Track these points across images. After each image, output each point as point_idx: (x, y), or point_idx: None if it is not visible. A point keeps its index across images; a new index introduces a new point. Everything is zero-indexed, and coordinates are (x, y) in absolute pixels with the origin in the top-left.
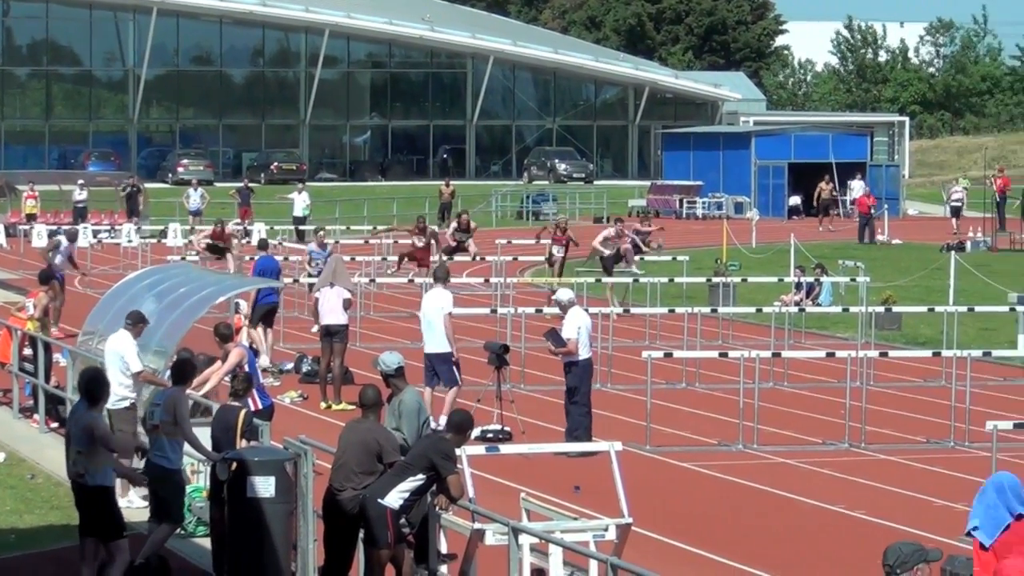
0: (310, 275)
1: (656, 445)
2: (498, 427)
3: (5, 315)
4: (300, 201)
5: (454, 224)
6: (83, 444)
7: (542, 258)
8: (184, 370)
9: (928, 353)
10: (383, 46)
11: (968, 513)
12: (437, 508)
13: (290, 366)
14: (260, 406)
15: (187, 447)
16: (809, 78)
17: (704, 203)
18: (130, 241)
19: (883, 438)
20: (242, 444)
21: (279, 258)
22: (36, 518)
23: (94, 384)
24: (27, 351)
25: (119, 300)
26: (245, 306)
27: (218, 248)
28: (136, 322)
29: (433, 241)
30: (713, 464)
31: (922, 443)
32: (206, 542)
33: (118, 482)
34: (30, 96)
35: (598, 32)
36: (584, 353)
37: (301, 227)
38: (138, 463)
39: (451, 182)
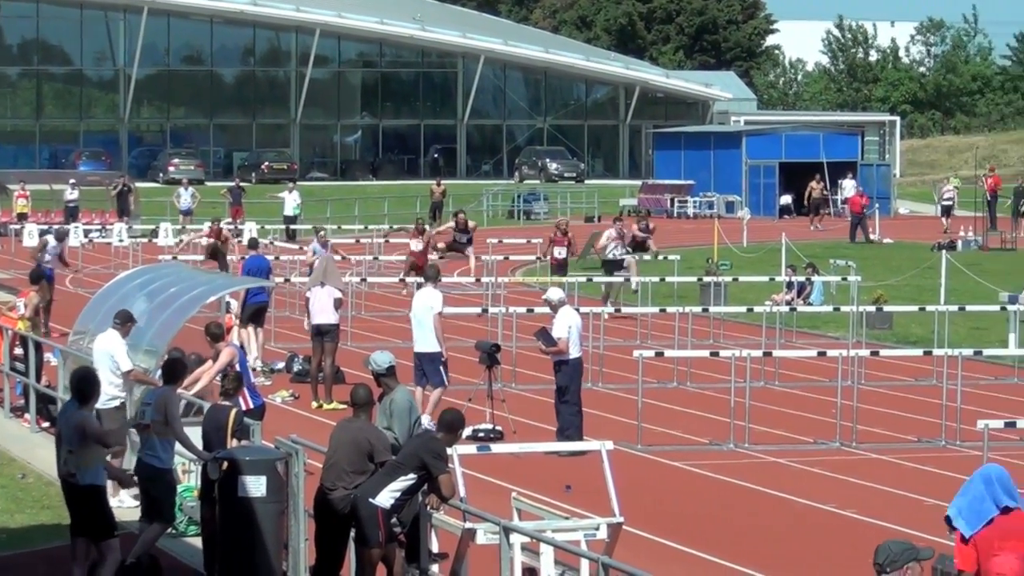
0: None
1: (647, 444)
2: (489, 426)
3: None
4: (291, 200)
5: (451, 224)
6: (74, 443)
7: (533, 257)
8: (175, 369)
9: (919, 352)
10: (374, 45)
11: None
12: (428, 507)
13: (281, 365)
14: (251, 405)
15: (178, 446)
16: (800, 77)
17: (695, 202)
18: (121, 240)
19: (874, 437)
20: (233, 443)
21: (270, 257)
22: (27, 517)
23: (84, 383)
24: (18, 350)
25: (110, 299)
26: (236, 305)
27: (217, 254)
28: (124, 321)
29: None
30: (704, 463)
31: (913, 442)
32: (197, 541)
33: (109, 482)
34: (21, 95)
35: (589, 32)
36: (574, 352)
37: (292, 226)
38: (130, 460)
39: (442, 181)
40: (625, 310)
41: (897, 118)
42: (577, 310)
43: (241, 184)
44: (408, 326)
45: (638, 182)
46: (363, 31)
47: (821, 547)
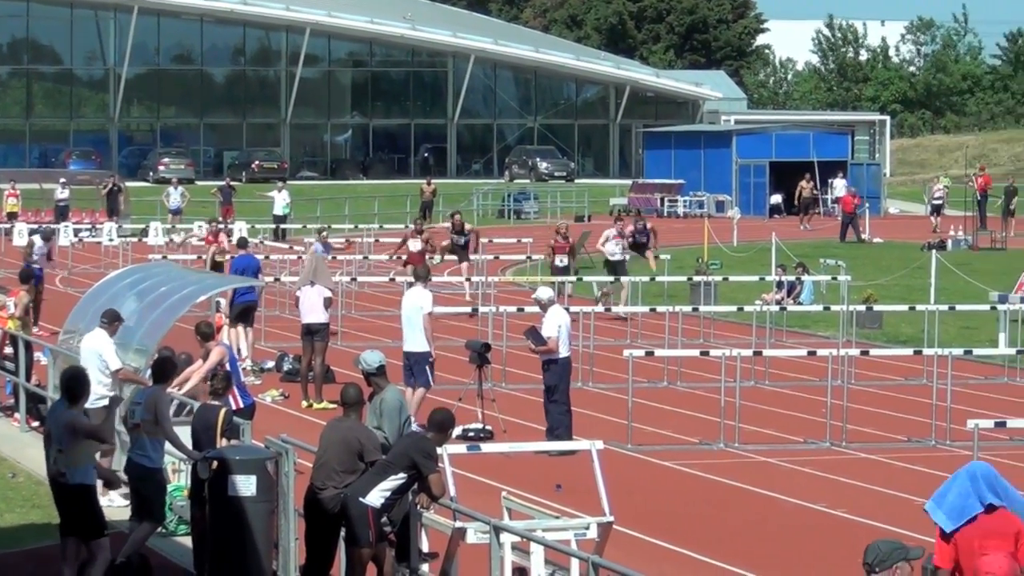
0: None
1: (637, 444)
2: (479, 426)
3: None
4: (280, 200)
5: (447, 225)
6: (63, 442)
7: (523, 256)
8: (165, 369)
9: (909, 352)
10: (364, 45)
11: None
12: (419, 507)
13: (271, 365)
14: (241, 405)
15: (168, 446)
16: (790, 77)
17: (685, 202)
18: (111, 240)
19: (864, 437)
20: (222, 443)
21: (260, 257)
22: (17, 517)
23: (75, 383)
24: (8, 350)
25: (100, 299)
26: (226, 304)
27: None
28: (112, 320)
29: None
30: (694, 463)
31: (903, 442)
32: (187, 541)
33: (98, 481)
34: (11, 95)
35: (579, 31)
36: (563, 352)
37: (282, 225)
38: (120, 460)
39: (432, 181)
40: (615, 309)
41: (887, 117)
42: (567, 309)
43: (231, 183)
44: (398, 325)
45: (628, 181)
46: (353, 30)
47: (811, 546)
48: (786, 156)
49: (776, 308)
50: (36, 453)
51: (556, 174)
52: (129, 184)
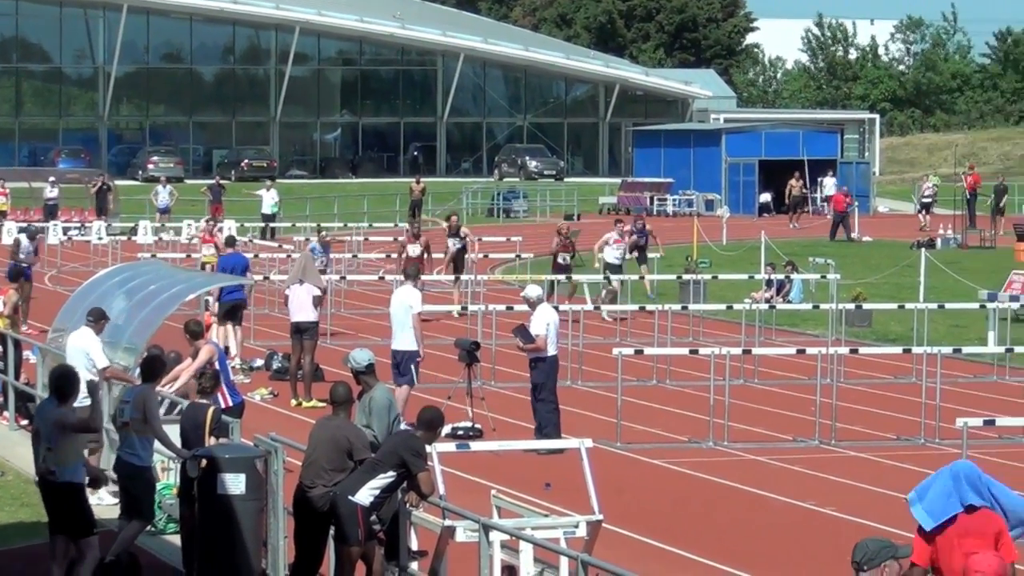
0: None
1: (627, 442)
2: (469, 424)
3: None
4: (268, 198)
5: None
6: (52, 441)
7: (512, 255)
8: (153, 367)
9: (898, 350)
10: (354, 43)
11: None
12: (408, 505)
13: (260, 363)
14: (230, 403)
15: (157, 444)
16: (779, 75)
17: (675, 200)
18: (100, 238)
19: (853, 435)
20: (211, 441)
21: (249, 255)
22: (6, 515)
23: (64, 381)
24: None
25: (89, 297)
26: (214, 302)
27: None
28: (98, 318)
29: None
30: (684, 461)
31: (892, 440)
32: (176, 539)
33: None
34: (0, 93)
35: (569, 29)
36: (551, 350)
37: (271, 224)
38: (109, 458)
39: (421, 179)
40: (604, 307)
41: (877, 116)
42: (556, 308)
43: (221, 182)
44: (387, 323)
45: (618, 180)
46: (343, 29)
47: (800, 545)
48: (775, 155)
49: (765, 307)
50: (25, 451)
51: (545, 173)
52: (118, 183)
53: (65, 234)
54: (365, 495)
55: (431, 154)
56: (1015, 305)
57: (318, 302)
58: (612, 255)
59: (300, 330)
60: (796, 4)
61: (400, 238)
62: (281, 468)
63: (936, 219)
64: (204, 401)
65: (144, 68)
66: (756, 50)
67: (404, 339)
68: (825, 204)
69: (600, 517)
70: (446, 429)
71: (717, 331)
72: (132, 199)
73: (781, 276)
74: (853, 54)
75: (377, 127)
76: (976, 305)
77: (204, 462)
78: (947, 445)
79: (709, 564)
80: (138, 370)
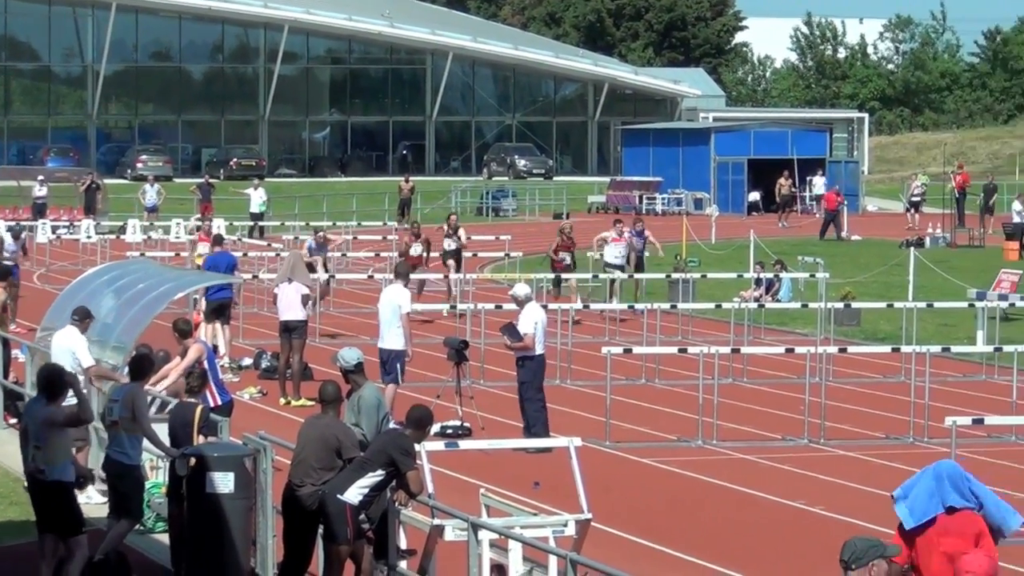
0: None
1: (616, 441)
2: (457, 423)
3: None
4: (256, 197)
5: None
6: (41, 439)
7: (501, 253)
8: (142, 366)
9: (887, 349)
10: (342, 42)
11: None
12: (397, 504)
13: (249, 362)
14: (219, 402)
15: (146, 443)
16: (768, 74)
17: (663, 199)
18: (89, 237)
19: (842, 434)
20: (199, 440)
21: (237, 254)
22: None
23: (54, 379)
24: None
25: (78, 296)
26: (202, 300)
27: None
28: (83, 317)
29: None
30: (673, 460)
31: (881, 439)
32: (165, 538)
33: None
34: None
35: (558, 28)
36: (539, 349)
37: (260, 223)
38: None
39: (410, 178)
40: (593, 306)
41: (865, 115)
42: (545, 307)
43: (210, 180)
44: (377, 322)
45: (607, 179)
46: (332, 27)
47: (789, 543)
48: (764, 153)
49: (754, 305)
50: (13, 450)
51: (534, 171)
52: (107, 181)
53: (54, 233)
54: (354, 494)
55: (420, 153)
56: (1004, 304)
57: (307, 301)
58: (612, 254)
59: (289, 329)
60: (785, 3)
61: (391, 236)
62: (270, 467)
63: (925, 218)
64: (192, 400)
65: (133, 67)
66: (745, 49)
67: (391, 338)
68: (814, 203)
69: (589, 516)
70: (435, 428)
71: (706, 330)
72: (121, 198)
73: (770, 275)
74: (842, 53)
75: (366, 126)
76: (965, 304)
77: (193, 461)
78: (936, 444)
79: (698, 563)
80: (127, 369)
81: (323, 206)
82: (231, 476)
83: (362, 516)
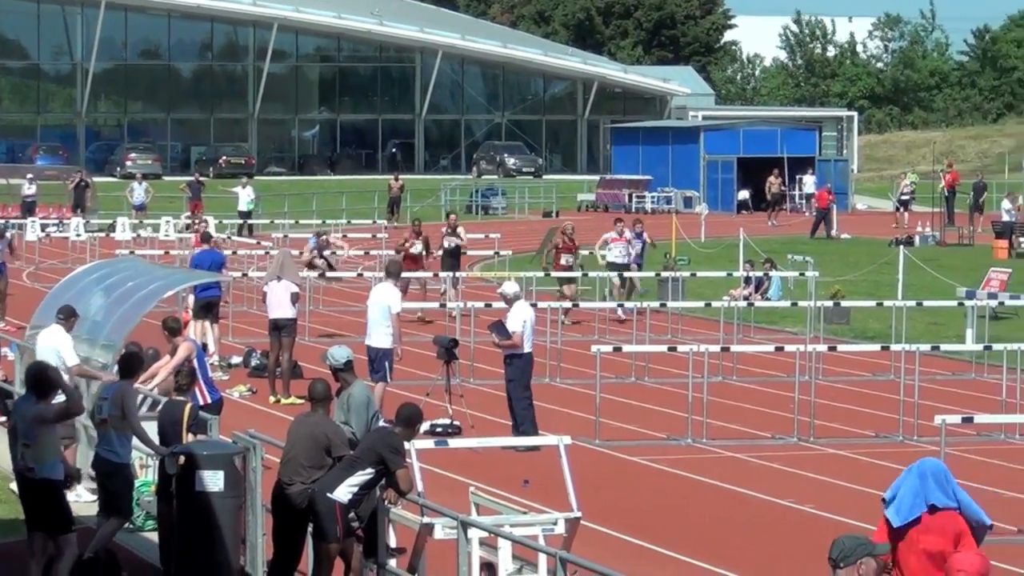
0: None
1: (605, 439)
2: (447, 421)
3: None
4: (244, 195)
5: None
6: (30, 437)
7: (491, 252)
8: (132, 364)
9: (877, 347)
10: (332, 40)
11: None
12: (386, 502)
13: (239, 360)
14: (209, 400)
15: (135, 441)
16: (758, 73)
17: (653, 197)
18: (78, 235)
19: (832, 432)
20: (188, 438)
21: (227, 252)
22: None
23: (43, 377)
24: None
25: (67, 294)
26: (190, 297)
27: None
28: (68, 316)
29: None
30: (662, 458)
31: (871, 437)
32: (154, 536)
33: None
34: None
35: (547, 27)
36: (527, 347)
37: (248, 221)
38: (88, 455)
39: (400, 176)
40: (583, 304)
41: (855, 113)
42: (534, 305)
43: (200, 179)
44: (366, 321)
45: (596, 177)
46: (321, 25)
47: (779, 542)
48: (754, 152)
49: (744, 304)
50: (2, 448)
51: (524, 170)
52: (96, 179)
53: (43, 231)
54: (344, 492)
55: (409, 151)
56: (993, 303)
57: (296, 299)
58: (614, 254)
59: (278, 327)
60: (774, 1)
61: (380, 235)
62: (260, 465)
63: (914, 217)
64: (181, 398)
65: (122, 64)
66: (734, 47)
67: (379, 336)
68: (804, 202)
69: (578, 514)
70: (425, 426)
71: (696, 328)
72: (110, 196)
73: (760, 273)
74: (831, 51)
75: (355, 124)
76: (954, 303)
77: (182, 459)
78: (925, 442)
79: (687, 561)
80: (116, 367)
81: (312, 204)
82: (221, 474)
83: (352, 514)
